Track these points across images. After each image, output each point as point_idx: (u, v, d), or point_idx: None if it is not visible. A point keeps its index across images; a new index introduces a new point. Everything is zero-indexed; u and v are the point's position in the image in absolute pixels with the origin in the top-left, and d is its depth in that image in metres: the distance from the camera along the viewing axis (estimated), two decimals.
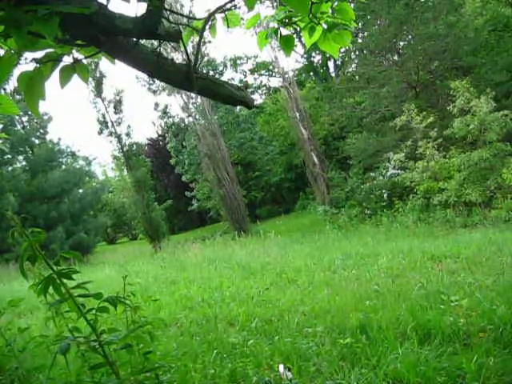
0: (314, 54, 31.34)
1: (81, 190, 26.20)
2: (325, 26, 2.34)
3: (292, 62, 44.89)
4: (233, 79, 33.34)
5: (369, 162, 18.26)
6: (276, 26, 2.41)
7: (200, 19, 2.45)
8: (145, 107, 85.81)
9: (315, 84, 29.01)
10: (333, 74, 31.50)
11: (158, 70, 2.15)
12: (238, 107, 21.65)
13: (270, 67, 32.50)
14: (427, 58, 16.39)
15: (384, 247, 9.44)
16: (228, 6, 2.39)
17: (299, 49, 30.51)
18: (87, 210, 26.08)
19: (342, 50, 22.47)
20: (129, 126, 23.33)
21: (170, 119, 33.24)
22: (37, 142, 26.16)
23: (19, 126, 25.60)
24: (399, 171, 15.39)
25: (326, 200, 19.94)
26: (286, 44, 2.46)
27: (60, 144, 27.46)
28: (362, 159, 18.62)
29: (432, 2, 17.14)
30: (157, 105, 32.42)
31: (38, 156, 24.53)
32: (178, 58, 19.42)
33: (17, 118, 24.45)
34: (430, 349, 3.43)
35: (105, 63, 36.26)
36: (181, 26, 2.24)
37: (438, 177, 13.45)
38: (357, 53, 22.68)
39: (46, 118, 26.40)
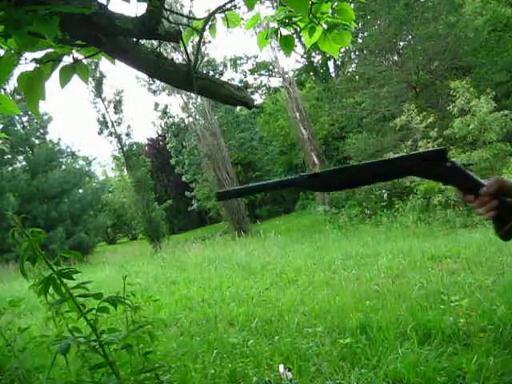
0: (313, 54, 31.31)
1: (81, 190, 26.18)
2: (325, 26, 2.35)
3: (292, 62, 44.83)
4: (233, 79, 33.33)
5: None
6: (276, 26, 2.41)
7: (200, 19, 2.45)
8: (145, 107, 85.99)
9: (315, 84, 28.99)
10: (333, 74, 31.47)
11: (158, 70, 2.16)
12: (238, 107, 21.62)
13: (270, 67, 32.47)
14: (427, 57, 16.40)
15: (384, 247, 9.43)
16: (228, 6, 2.40)
17: (299, 49, 30.47)
18: (87, 210, 26.06)
19: (342, 50, 22.46)
20: (129, 126, 23.39)
21: (170, 119, 33.26)
22: (37, 142, 26.14)
23: (19, 126, 25.60)
24: None
25: (326, 200, 19.93)
26: (286, 44, 2.46)
27: (60, 144, 27.46)
28: (362, 159, 18.61)
29: (432, 2, 17.15)
30: (157, 105, 32.48)
31: (38, 156, 24.52)
32: (178, 58, 19.44)
33: (17, 118, 24.46)
34: (430, 349, 3.42)
35: (105, 63, 36.26)
36: (181, 26, 2.24)
37: None
38: (357, 53, 22.69)
39: (45, 118, 26.39)
